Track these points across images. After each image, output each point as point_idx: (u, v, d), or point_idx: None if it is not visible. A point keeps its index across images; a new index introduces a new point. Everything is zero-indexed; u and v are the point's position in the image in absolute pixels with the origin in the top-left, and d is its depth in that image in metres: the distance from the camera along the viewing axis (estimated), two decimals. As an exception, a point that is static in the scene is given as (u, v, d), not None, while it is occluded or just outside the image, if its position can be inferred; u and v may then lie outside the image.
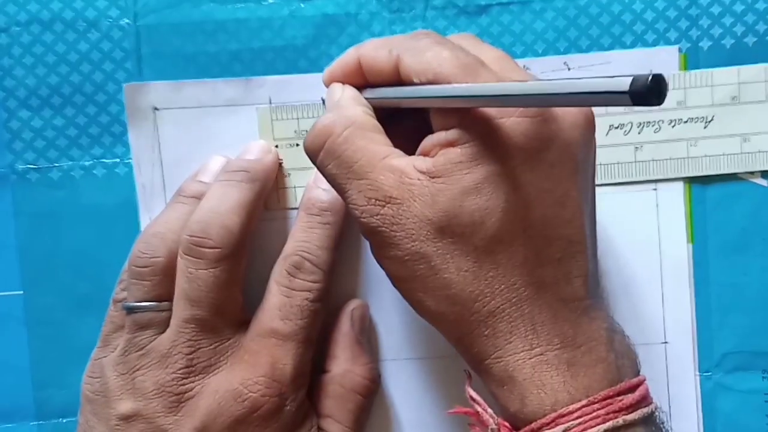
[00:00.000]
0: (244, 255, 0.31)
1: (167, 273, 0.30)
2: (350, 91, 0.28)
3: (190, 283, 0.29)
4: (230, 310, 0.30)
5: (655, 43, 0.33)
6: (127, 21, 0.33)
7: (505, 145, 0.25)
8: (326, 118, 0.27)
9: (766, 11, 0.33)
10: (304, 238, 0.31)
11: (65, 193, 0.34)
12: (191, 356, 0.29)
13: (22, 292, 0.34)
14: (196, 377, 0.29)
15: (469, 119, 0.25)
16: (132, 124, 0.33)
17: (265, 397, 0.29)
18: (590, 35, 0.33)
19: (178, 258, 0.30)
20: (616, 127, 0.33)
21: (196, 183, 0.32)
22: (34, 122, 0.33)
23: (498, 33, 0.33)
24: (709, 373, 0.34)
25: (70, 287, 0.34)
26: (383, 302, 0.34)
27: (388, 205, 0.26)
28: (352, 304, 0.33)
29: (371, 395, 0.33)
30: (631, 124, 0.33)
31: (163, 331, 0.30)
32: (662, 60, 0.33)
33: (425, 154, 0.26)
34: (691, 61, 0.33)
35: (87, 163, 0.34)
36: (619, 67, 0.33)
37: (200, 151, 0.33)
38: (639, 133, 0.33)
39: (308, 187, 0.33)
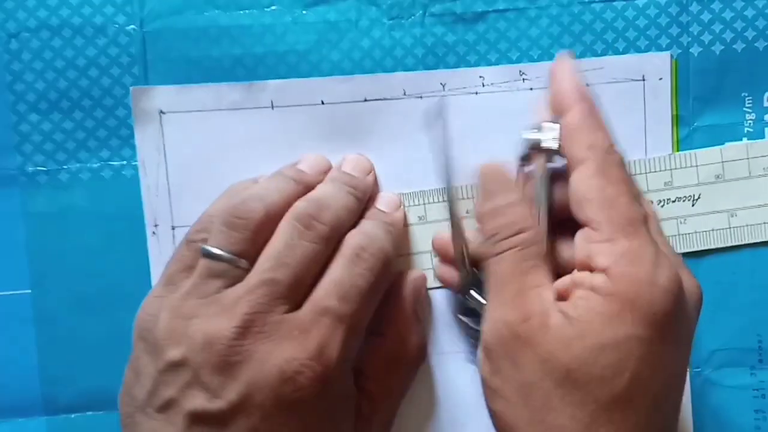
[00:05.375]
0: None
1: (257, 233, 0.30)
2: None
3: (286, 247, 0.29)
4: (304, 287, 0.30)
5: (647, 49, 0.34)
6: (134, 27, 0.34)
7: (647, 313, 0.25)
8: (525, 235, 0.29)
9: (755, 18, 0.34)
10: (370, 226, 0.32)
11: (73, 194, 0.34)
12: (249, 317, 0.28)
13: (30, 291, 0.35)
14: (246, 341, 0.28)
15: (620, 272, 0.26)
16: (138, 127, 0.34)
17: (308, 380, 0.28)
18: (584, 41, 0.34)
19: (283, 222, 0.30)
20: None
21: (295, 169, 0.33)
22: (44, 125, 0.34)
23: (494, 39, 0.34)
24: (699, 369, 0.35)
25: (77, 286, 0.35)
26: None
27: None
28: (413, 274, 0.34)
29: (419, 365, 0.34)
30: None
31: (231, 286, 0.29)
32: (654, 65, 0.34)
33: (563, 289, 0.27)
34: (681, 66, 0.34)
35: (95, 166, 0.34)
36: (612, 72, 0.34)
37: (204, 152, 0.34)
38: None
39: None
